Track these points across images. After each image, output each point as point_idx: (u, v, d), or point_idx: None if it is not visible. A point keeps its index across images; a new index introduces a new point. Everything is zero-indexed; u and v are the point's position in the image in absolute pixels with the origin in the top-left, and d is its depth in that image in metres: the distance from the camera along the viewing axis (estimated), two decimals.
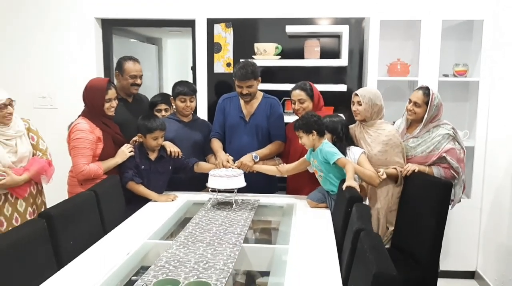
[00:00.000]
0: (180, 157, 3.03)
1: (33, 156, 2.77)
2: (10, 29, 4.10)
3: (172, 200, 2.91)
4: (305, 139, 2.75)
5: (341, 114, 3.24)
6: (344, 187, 2.51)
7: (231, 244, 2.13)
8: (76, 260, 1.96)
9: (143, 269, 2.01)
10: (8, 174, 2.56)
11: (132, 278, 1.94)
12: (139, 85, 3.28)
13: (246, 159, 3.02)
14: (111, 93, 2.87)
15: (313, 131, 2.72)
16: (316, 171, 2.83)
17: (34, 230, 1.86)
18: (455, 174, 2.96)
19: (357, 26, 3.75)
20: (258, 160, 3.05)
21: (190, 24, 4.04)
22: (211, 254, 2.02)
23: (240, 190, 2.84)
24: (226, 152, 3.12)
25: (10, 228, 2.59)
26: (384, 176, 2.83)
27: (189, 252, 2.04)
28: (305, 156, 2.87)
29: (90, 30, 4.07)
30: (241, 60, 3.34)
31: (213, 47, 3.92)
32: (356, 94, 3.01)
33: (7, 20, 4.10)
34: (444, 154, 2.94)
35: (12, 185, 2.59)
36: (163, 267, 1.88)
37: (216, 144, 3.17)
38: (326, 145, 2.72)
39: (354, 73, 3.83)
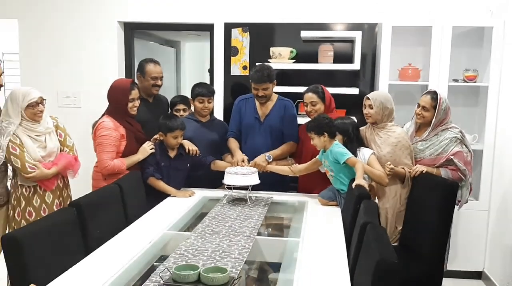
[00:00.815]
0: (197, 155, 3.17)
1: (60, 151, 2.94)
2: (38, 32, 4.29)
3: (190, 196, 3.05)
4: (317, 141, 2.87)
5: (353, 117, 3.35)
6: (353, 185, 2.63)
7: (246, 236, 2.27)
8: (103, 246, 2.12)
9: (163, 258, 2.15)
10: (38, 168, 2.74)
11: (154, 264, 2.09)
12: (159, 86, 3.44)
13: (260, 159, 3.14)
14: (134, 93, 3.03)
15: (324, 133, 2.84)
16: (327, 171, 2.95)
17: (65, 217, 2.03)
18: (462, 176, 3.06)
19: (369, 32, 3.85)
20: (271, 160, 3.17)
21: (208, 28, 4.18)
22: (227, 244, 2.16)
23: (254, 188, 2.97)
24: (241, 151, 3.23)
25: (38, 218, 2.75)
26: (391, 166, 2.93)
27: (206, 242, 2.18)
28: (317, 156, 2.99)
29: (113, 33, 4.23)
30: (257, 63, 3.48)
31: (230, 51, 4.04)
32: (368, 98, 3.12)
33: (36, 24, 4.28)
34: (452, 157, 3.03)
35: (41, 178, 2.76)
36: (182, 255, 2.03)
37: (233, 143, 3.30)
38: (336, 146, 2.85)
39: (366, 77, 3.93)
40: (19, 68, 4.39)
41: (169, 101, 3.70)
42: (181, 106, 3.54)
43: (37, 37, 4.30)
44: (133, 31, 4.40)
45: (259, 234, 2.36)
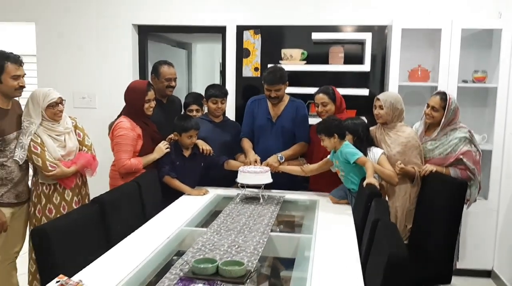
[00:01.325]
0: (211, 155, 3.24)
1: (79, 151, 3.02)
2: (55, 35, 4.39)
3: (204, 194, 3.13)
4: (327, 142, 2.93)
5: (363, 117, 3.41)
6: (364, 184, 2.69)
7: (260, 233, 2.35)
8: (123, 241, 2.21)
9: (180, 253, 2.22)
10: (59, 166, 2.83)
11: (173, 258, 2.17)
12: (173, 87, 3.52)
13: (272, 159, 3.20)
14: (150, 94, 3.12)
15: (334, 134, 2.90)
16: (338, 171, 3.02)
17: (89, 213, 2.13)
18: (471, 175, 3.10)
19: (379, 34, 3.92)
20: (283, 160, 3.23)
21: (220, 30, 4.26)
22: (242, 240, 2.24)
23: (266, 187, 3.04)
24: (254, 152, 3.29)
25: (58, 215, 2.84)
26: (402, 166, 2.98)
27: (222, 238, 2.26)
28: (329, 156, 3.06)
29: (128, 36, 4.32)
30: (269, 65, 3.55)
31: (242, 52, 4.12)
32: (378, 99, 3.17)
33: (53, 27, 4.38)
34: (461, 156, 3.07)
35: (61, 176, 2.86)
36: (200, 250, 2.11)
37: (247, 143, 3.37)
38: (346, 146, 2.91)
39: (376, 78, 4.00)
40: (36, 70, 4.49)
41: (182, 101, 3.78)
42: (194, 107, 3.62)
43: (54, 39, 4.40)
44: (147, 33, 4.48)
45: (272, 230, 2.43)
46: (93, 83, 4.40)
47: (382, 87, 4.00)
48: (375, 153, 3.05)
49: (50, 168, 2.80)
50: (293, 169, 3.23)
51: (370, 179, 2.71)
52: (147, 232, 2.38)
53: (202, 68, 6.33)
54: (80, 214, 2.09)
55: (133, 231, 2.34)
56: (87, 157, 3.00)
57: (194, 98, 3.72)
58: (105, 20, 4.33)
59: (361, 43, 4.02)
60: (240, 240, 2.24)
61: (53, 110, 2.87)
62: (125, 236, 2.26)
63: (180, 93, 4.70)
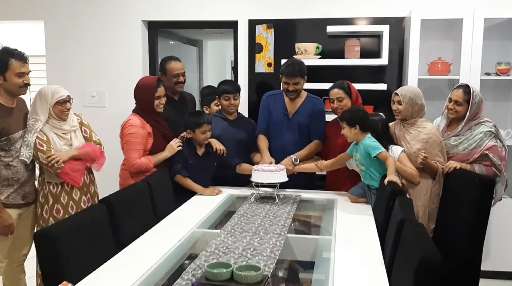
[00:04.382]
0: (224, 155, 3.13)
1: None
2: (64, 33, 4.32)
3: (217, 194, 3.02)
4: (347, 131, 2.81)
5: (381, 113, 3.27)
6: (385, 181, 2.55)
7: (276, 234, 2.22)
8: (132, 244, 2.10)
9: (193, 256, 2.11)
10: (57, 154, 2.70)
11: (185, 261, 2.06)
12: (182, 82, 3.39)
13: (286, 162, 3.07)
14: (160, 91, 3.02)
15: (356, 125, 2.77)
16: (357, 165, 2.88)
17: (96, 214, 2.02)
18: (497, 172, 2.96)
19: (397, 26, 3.79)
20: (298, 162, 3.11)
21: (232, 25, 4.16)
22: (257, 242, 2.12)
23: (281, 186, 2.93)
24: (270, 148, 3.20)
25: (66, 216, 2.76)
26: (425, 154, 2.85)
27: (237, 240, 2.14)
28: (348, 149, 2.93)
29: (138, 32, 4.24)
30: (282, 60, 3.44)
31: (254, 48, 4.02)
32: (396, 94, 3.05)
33: (62, 25, 4.32)
34: (486, 151, 2.94)
35: (64, 159, 2.72)
36: (213, 253, 1.99)
37: (263, 143, 3.23)
38: (369, 139, 2.78)
39: (394, 72, 3.87)
40: (45, 70, 4.43)
41: (195, 98, 3.68)
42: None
43: (63, 37, 4.34)
44: (156, 30, 4.40)
45: (289, 232, 2.31)
46: (103, 82, 4.33)
47: (400, 81, 3.87)
48: (394, 151, 2.92)
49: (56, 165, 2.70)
50: (308, 167, 3.12)
51: (392, 176, 2.57)
52: (158, 234, 2.27)
53: (213, 66, 6.27)
54: (87, 215, 1.98)
55: (142, 233, 2.23)
56: (94, 147, 2.91)
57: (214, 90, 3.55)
58: (114, 16, 4.25)
59: (378, 36, 3.90)
60: (255, 242, 2.12)
61: (61, 108, 2.80)
62: (134, 239, 2.15)
63: (191, 91, 4.61)
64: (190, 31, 5.37)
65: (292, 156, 3.11)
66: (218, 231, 2.30)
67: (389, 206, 2.28)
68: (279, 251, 2.01)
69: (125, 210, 2.24)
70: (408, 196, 3.00)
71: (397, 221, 1.84)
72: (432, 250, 1.46)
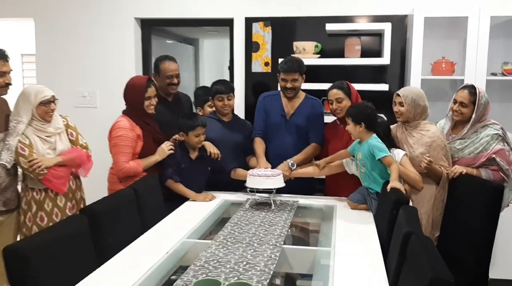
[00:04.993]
0: (219, 159, 3.00)
1: None
2: (54, 31, 4.21)
3: (210, 200, 2.88)
4: (352, 128, 2.66)
5: (382, 115, 3.14)
6: (388, 188, 2.41)
7: (271, 245, 2.08)
8: (116, 257, 1.95)
9: (182, 269, 1.98)
10: (39, 159, 2.57)
11: (171, 277, 1.91)
12: (176, 84, 3.25)
13: (283, 167, 2.94)
14: (151, 91, 2.88)
15: (362, 123, 2.62)
16: (358, 165, 2.73)
17: (75, 226, 1.86)
18: (504, 177, 2.82)
19: (400, 24, 3.68)
20: (295, 167, 2.97)
21: (228, 23, 4.04)
22: (251, 254, 1.97)
23: (278, 191, 2.78)
24: (266, 151, 3.08)
25: (50, 223, 2.64)
26: (430, 158, 2.72)
27: (229, 252, 2.00)
28: (349, 147, 2.78)
29: (130, 31, 4.13)
30: (280, 59, 3.30)
31: (251, 46, 3.91)
32: (398, 95, 2.91)
33: (52, 22, 4.21)
34: (493, 155, 2.80)
35: (47, 165, 2.59)
36: (202, 267, 1.84)
37: (260, 147, 3.10)
38: (375, 139, 2.63)
39: (396, 73, 3.76)
40: (35, 69, 4.31)
41: (191, 98, 3.55)
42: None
43: (53, 35, 4.23)
44: (150, 28, 4.29)
45: (285, 242, 2.16)
46: (94, 81, 4.22)
47: (402, 82, 3.75)
48: (396, 154, 2.77)
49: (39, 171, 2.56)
50: (306, 171, 2.99)
51: (395, 183, 2.43)
52: (144, 245, 2.12)
53: (210, 65, 6.16)
54: (65, 227, 1.82)
55: (128, 244, 2.08)
56: (80, 152, 2.78)
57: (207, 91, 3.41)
58: (106, 14, 4.14)
59: (380, 34, 3.78)
60: (248, 254, 1.97)
61: (45, 109, 2.67)
62: (119, 251, 2.00)
63: (187, 91, 4.49)
64: (186, 30, 5.26)
65: (288, 160, 2.97)
66: (209, 241, 2.15)
67: (392, 215, 2.13)
68: (274, 265, 1.86)
69: (108, 220, 2.09)
70: (410, 202, 2.88)
71: (403, 234, 1.69)
72: (444, 270, 1.31)
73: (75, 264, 1.78)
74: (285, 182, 2.80)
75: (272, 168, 2.93)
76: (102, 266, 1.85)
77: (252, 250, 2.02)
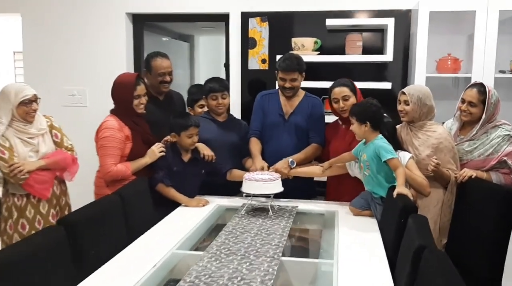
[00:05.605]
0: (213, 161, 2.85)
1: None
2: (42, 27, 4.08)
3: (203, 205, 2.72)
4: (356, 128, 2.50)
5: (385, 115, 2.99)
6: (395, 194, 2.25)
7: (269, 258, 1.91)
8: (97, 272, 1.78)
9: (171, 282, 1.83)
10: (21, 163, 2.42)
11: None
12: (168, 82, 3.11)
13: (282, 165, 2.81)
14: (140, 89, 2.72)
15: (367, 122, 2.46)
16: (361, 167, 2.57)
17: (52, 238, 1.68)
18: None
19: (403, 19, 3.57)
20: (294, 165, 2.84)
21: (223, 18, 3.91)
22: (246, 268, 1.80)
23: (276, 195, 2.62)
24: (263, 152, 2.95)
25: (32, 231, 2.50)
26: (437, 161, 2.57)
27: (222, 265, 1.83)
28: (353, 150, 2.63)
29: (121, 26, 3.99)
30: (278, 56, 3.18)
31: (247, 43, 3.80)
32: (403, 93, 2.76)
33: (40, 18, 4.08)
34: (505, 158, 2.65)
35: (28, 169, 2.45)
36: (192, 283, 1.67)
37: (255, 146, 2.97)
38: (382, 139, 2.48)
39: (399, 70, 3.65)
40: (23, 66, 4.18)
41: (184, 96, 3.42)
42: (203, 102, 3.21)
43: (41, 32, 4.09)
44: (142, 23, 4.15)
45: (284, 252, 2.00)
46: (83, 79, 4.07)
47: (405, 80, 3.62)
48: (402, 157, 2.61)
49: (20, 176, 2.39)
50: (305, 171, 2.86)
51: (402, 188, 2.27)
52: (129, 258, 1.95)
53: (207, 63, 6.05)
54: (40, 240, 1.64)
55: (112, 257, 1.91)
56: (64, 154, 2.62)
57: (199, 89, 3.28)
58: (96, 9, 4.00)
59: (382, 30, 3.66)
60: (244, 268, 1.80)
61: (26, 109, 2.52)
62: (101, 264, 1.83)
63: (182, 90, 4.36)
64: (181, 26, 5.13)
65: (288, 158, 2.84)
66: (200, 253, 1.98)
67: (400, 224, 1.97)
68: (272, 281, 1.69)
69: (90, 231, 1.91)
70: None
71: (414, 248, 1.53)
72: None
73: (51, 282, 1.61)
74: (284, 180, 2.65)
75: (269, 166, 2.80)
76: (81, 283, 1.68)
77: (247, 263, 1.85)
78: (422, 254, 1.48)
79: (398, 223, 2.00)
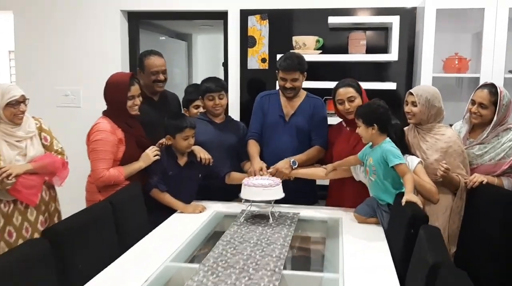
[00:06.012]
0: (210, 164, 2.73)
1: None
2: (35, 25, 3.98)
3: (200, 212, 2.60)
4: (363, 131, 2.40)
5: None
6: (403, 201, 2.12)
7: (269, 271, 1.78)
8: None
9: None
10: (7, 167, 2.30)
11: None
12: (162, 81, 3.01)
13: (283, 165, 2.71)
14: (134, 89, 2.61)
15: (374, 125, 2.36)
16: (367, 171, 2.45)
17: (35, 251, 1.55)
18: None
19: (409, 17, 3.48)
20: (296, 166, 2.74)
21: (222, 16, 3.82)
22: (245, 284, 1.68)
23: (277, 201, 2.50)
24: (262, 155, 2.85)
25: (20, 240, 2.38)
26: (447, 166, 2.46)
27: (219, 281, 1.70)
28: (358, 153, 2.52)
29: (116, 24, 3.90)
30: (278, 55, 3.09)
31: (246, 41, 3.70)
32: (411, 93, 2.65)
33: (32, 15, 3.98)
34: None
35: (16, 173, 2.33)
36: None
37: (253, 148, 2.87)
38: (389, 143, 2.37)
39: (404, 70, 3.55)
40: (14, 66, 4.08)
41: (180, 97, 3.31)
42: (199, 103, 3.12)
43: (34, 29, 3.99)
44: (138, 21, 4.05)
45: (285, 264, 1.88)
46: (77, 79, 3.97)
47: (411, 80, 3.52)
48: (410, 162, 2.50)
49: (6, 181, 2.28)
50: (306, 172, 2.77)
51: (411, 196, 2.15)
52: (119, 271, 1.82)
53: (205, 62, 5.96)
54: (21, 253, 1.51)
55: (100, 270, 1.78)
56: (53, 158, 2.51)
57: (196, 89, 3.18)
58: (90, 6, 3.89)
59: (386, 28, 3.58)
60: (242, 284, 1.67)
61: (14, 110, 2.41)
62: (89, 279, 1.70)
63: (180, 89, 4.27)
64: (178, 24, 5.03)
65: (290, 158, 2.75)
66: (196, 266, 1.85)
67: (409, 235, 1.85)
68: None
69: (77, 243, 1.78)
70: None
71: (430, 266, 1.40)
72: None
73: None
74: (283, 182, 2.54)
75: (268, 166, 2.70)
76: None
77: (246, 278, 1.72)
78: (438, 272, 1.35)
79: (407, 233, 1.88)
